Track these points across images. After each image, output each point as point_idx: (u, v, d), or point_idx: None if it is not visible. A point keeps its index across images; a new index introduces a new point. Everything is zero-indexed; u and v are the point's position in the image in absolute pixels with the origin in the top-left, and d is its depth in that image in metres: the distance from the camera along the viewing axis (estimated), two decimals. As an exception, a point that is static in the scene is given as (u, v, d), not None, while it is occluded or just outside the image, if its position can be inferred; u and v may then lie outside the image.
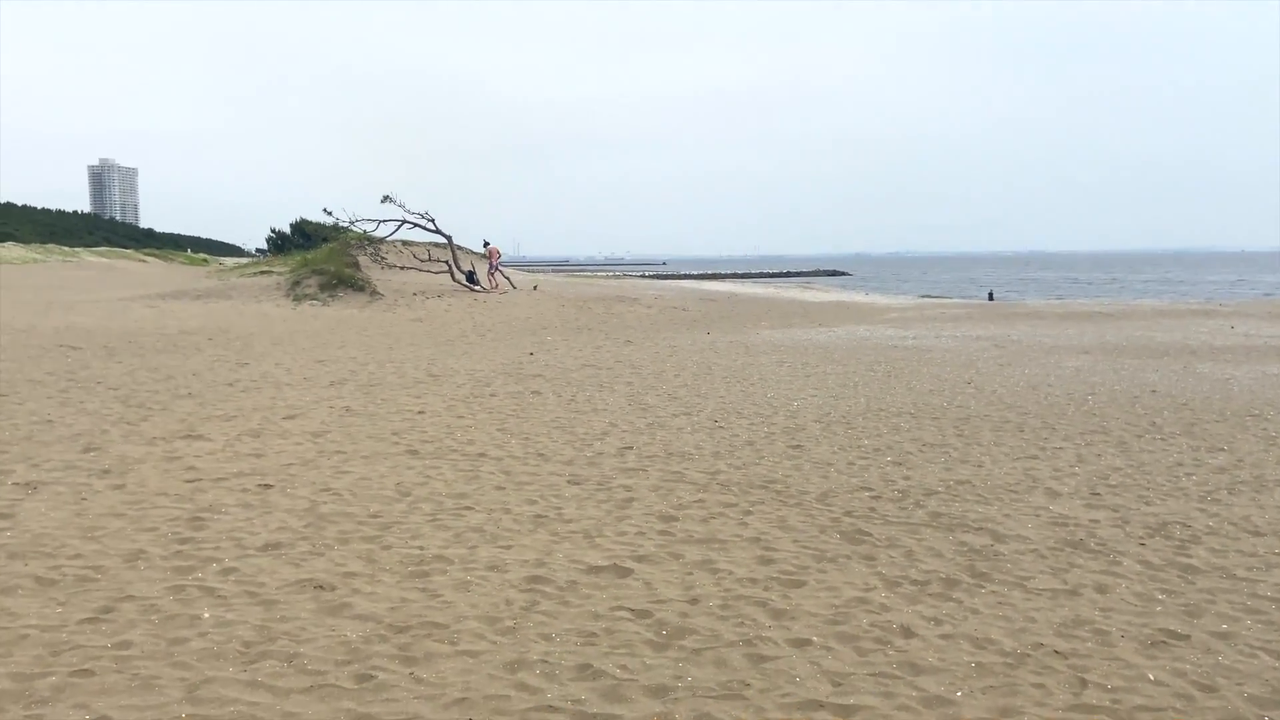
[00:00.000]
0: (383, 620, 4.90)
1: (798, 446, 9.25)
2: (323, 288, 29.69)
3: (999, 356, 17.43)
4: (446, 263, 34.16)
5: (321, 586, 5.37)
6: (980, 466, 8.48)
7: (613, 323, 25.86)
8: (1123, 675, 4.40)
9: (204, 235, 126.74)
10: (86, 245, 76.57)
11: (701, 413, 11.14)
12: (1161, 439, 9.70)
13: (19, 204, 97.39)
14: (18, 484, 7.40)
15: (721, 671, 4.40)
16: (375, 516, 6.75)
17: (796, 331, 23.58)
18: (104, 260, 64.58)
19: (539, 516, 6.82)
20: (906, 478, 8.04)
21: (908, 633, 4.84)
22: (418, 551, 6.00)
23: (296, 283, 30.21)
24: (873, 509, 7.09)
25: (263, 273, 35.73)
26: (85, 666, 4.32)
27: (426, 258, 35.15)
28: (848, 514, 6.95)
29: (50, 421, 9.92)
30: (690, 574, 5.67)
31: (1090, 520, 6.82)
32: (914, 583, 5.58)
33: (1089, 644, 4.73)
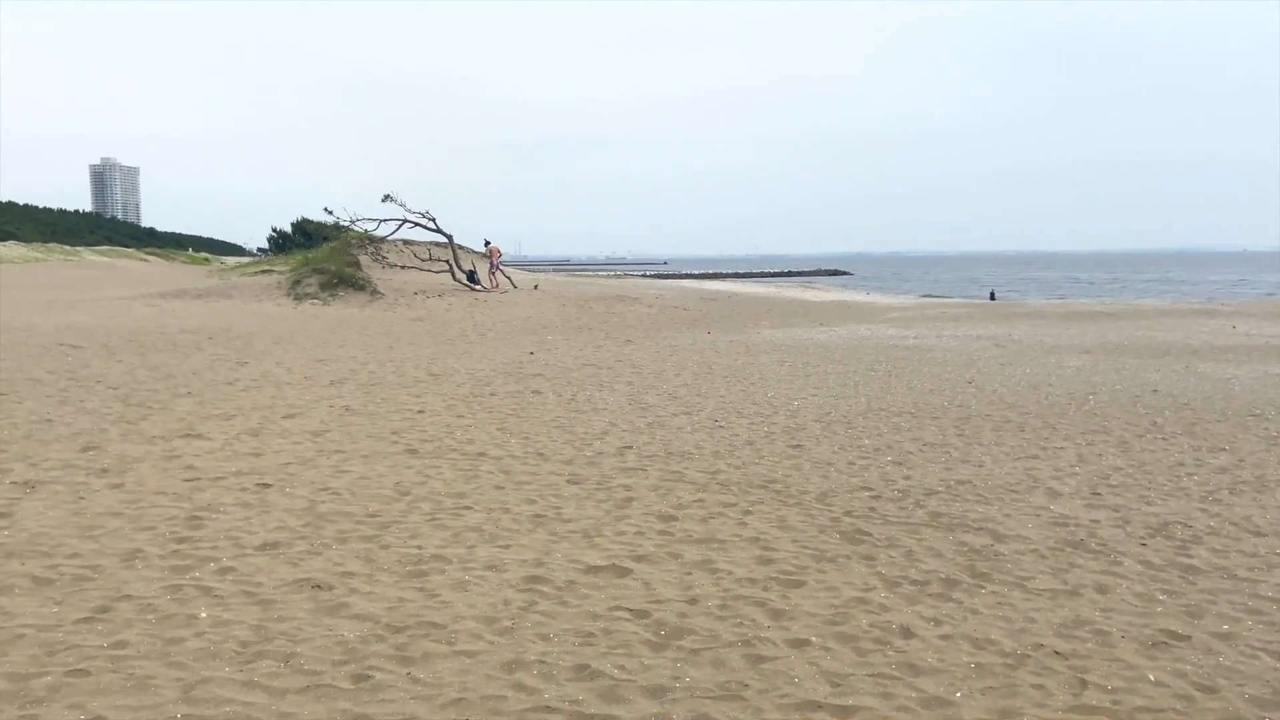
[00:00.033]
0: (380, 620, 4.89)
1: (798, 446, 9.23)
2: (323, 287, 29.69)
3: (1000, 356, 17.40)
4: (447, 262, 34.14)
5: (319, 586, 5.35)
6: (981, 466, 8.46)
7: (613, 322, 25.85)
8: (1123, 676, 4.38)
9: (205, 235, 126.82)
10: (88, 244, 76.63)
11: (701, 412, 11.12)
12: (1163, 439, 9.68)
13: (20, 203, 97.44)
14: (15, 483, 7.39)
15: (720, 672, 4.38)
16: (374, 516, 6.74)
17: (797, 331, 23.56)
18: (105, 259, 64.63)
19: (538, 516, 6.80)
20: (907, 477, 8.02)
21: (907, 633, 4.82)
22: (416, 551, 5.99)
23: (297, 282, 30.20)
24: (873, 509, 7.07)
25: (264, 272, 35.73)
26: (81, 666, 4.30)
27: (427, 257, 35.13)
28: (847, 514, 6.93)
29: (49, 420, 9.90)
30: (689, 574, 5.65)
31: (1091, 520, 6.80)
32: (914, 583, 5.56)
33: (1089, 645, 4.71)
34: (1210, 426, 10.31)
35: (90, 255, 65.78)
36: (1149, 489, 7.69)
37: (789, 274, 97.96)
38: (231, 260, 73.87)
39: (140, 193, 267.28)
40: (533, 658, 4.48)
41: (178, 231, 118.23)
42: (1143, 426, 10.32)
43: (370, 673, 4.30)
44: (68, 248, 67.17)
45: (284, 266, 35.22)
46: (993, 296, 49.56)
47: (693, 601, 5.21)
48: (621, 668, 4.39)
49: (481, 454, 8.77)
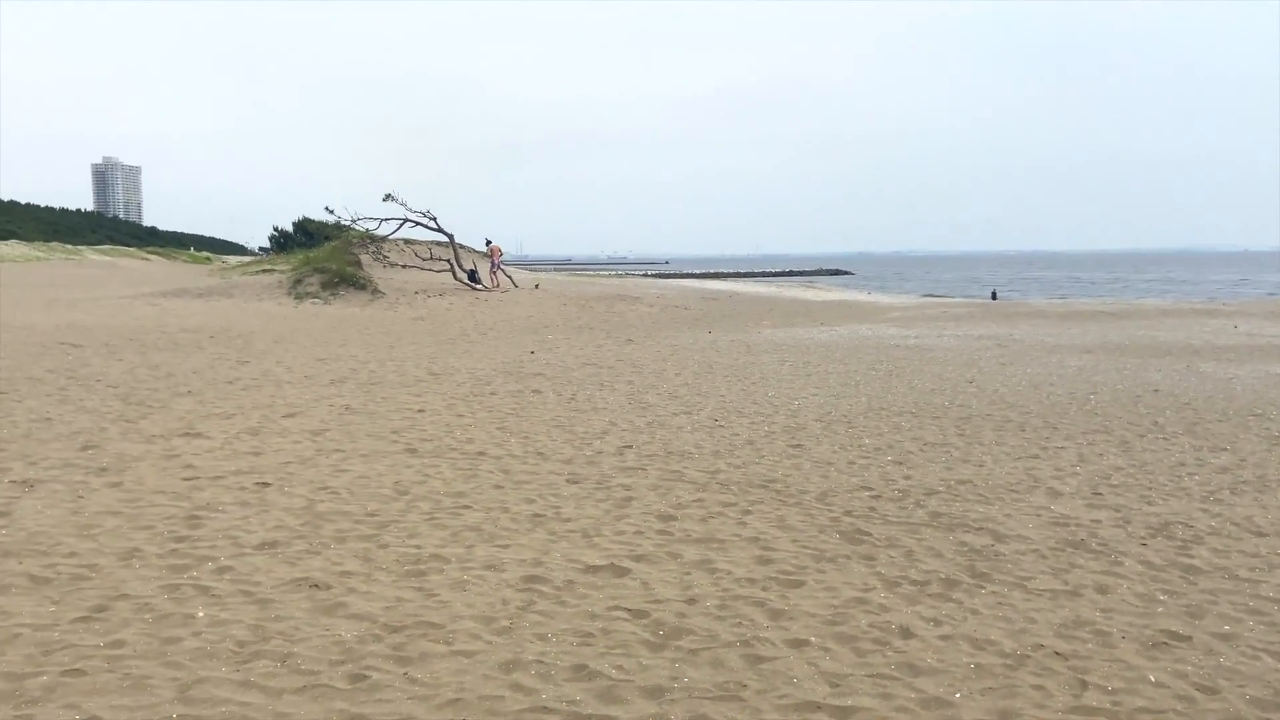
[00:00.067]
0: (378, 620, 4.87)
1: (798, 446, 9.22)
2: (324, 286, 29.69)
3: (1001, 355, 17.38)
4: (448, 261, 34.15)
5: (317, 585, 5.34)
6: (981, 466, 8.44)
7: (614, 321, 25.83)
8: (1123, 677, 4.36)
9: (207, 234, 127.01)
10: (89, 243, 76.65)
11: (702, 411, 11.11)
12: (1164, 438, 9.65)
13: (22, 202, 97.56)
14: (14, 482, 7.38)
15: (718, 672, 4.36)
16: (372, 515, 6.72)
17: (798, 330, 23.54)
18: (107, 258, 64.65)
19: (537, 515, 6.78)
20: (907, 477, 8.00)
21: (907, 633, 4.80)
22: (414, 550, 5.97)
23: (298, 281, 30.21)
24: (873, 509, 7.05)
25: (265, 271, 35.71)
26: (77, 666, 4.29)
27: (428, 256, 35.13)
28: (847, 514, 6.91)
29: (49, 419, 9.90)
30: (688, 574, 5.64)
31: (1092, 520, 6.78)
32: (913, 583, 5.54)
33: (1089, 645, 4.69)
34: (1212, 426, 10.28)
35: (92, 254, 65.81)
36: (1150, 489, 7.67)
37: (790, 274, 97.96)
38: (233, 259, 73.87)
39: (142, 192, 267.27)
40: (531, 658, 4.46)
41: (180, 231, 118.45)
42: (1144, 426, 10.29)
43: (367, 672, 4.29)
44: (69, 247, 67.21)
45: (285, 266, 35.22)
46: (994, 296, 49.52)
47: (691, 601, 5.19)
48: (620, 668, 4.38)
49: (481, 453, 8.76)
